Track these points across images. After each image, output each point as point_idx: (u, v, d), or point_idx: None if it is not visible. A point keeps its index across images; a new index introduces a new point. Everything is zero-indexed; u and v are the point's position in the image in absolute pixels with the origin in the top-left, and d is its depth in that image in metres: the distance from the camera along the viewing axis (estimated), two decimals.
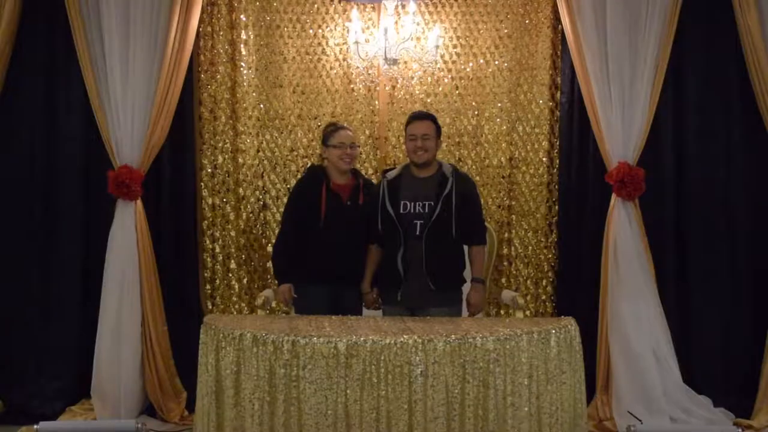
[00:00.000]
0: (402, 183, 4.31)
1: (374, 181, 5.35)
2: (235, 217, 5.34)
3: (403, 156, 5.33)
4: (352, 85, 5.38)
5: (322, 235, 4.28)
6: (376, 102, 5.39)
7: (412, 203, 4.24)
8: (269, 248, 5.34)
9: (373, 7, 5.29)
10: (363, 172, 5.31)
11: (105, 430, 4.45)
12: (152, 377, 4.90)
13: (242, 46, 5.29)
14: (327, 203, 4.29)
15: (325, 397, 3.37)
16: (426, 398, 3.36)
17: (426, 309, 4.16)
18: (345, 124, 4.61)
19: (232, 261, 5.34)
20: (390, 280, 4.28)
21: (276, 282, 4.52)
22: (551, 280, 5.38)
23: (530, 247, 5.39)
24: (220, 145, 5.33)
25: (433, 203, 4.19)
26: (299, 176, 4.69)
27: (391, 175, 4.39)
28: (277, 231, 5.21)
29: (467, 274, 4.57)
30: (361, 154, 5.38)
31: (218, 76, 5.29)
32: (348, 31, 5.24)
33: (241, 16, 5.28)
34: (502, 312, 5.32)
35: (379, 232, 4.31)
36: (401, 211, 4.25)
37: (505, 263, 5.43)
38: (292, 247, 4.35)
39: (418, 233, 4.19)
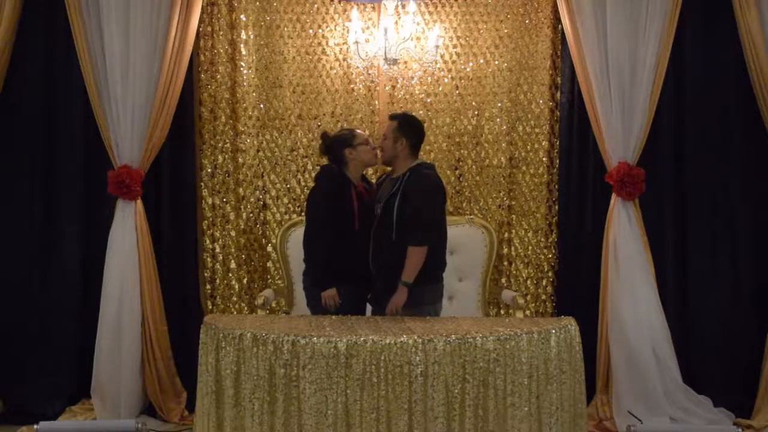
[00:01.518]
0: (383, 184, 4.40)
1: (373, 180, 5.40)
2: (235, 217, 5.33)
3: None
4: (352, 85, 5.38)
5: (356, 238, 4.25)
6: (376, 102, 5.39)
7: (378, 204, 4.29)
8: (269, 248, 5.34)
9: (373, 7, 5.29)
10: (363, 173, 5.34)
11: (105, 430, 4.46)
12: (152, 377, 4.90)
13: (242, 46, 5.28)
14: (359, 208, 4.26)
15: (325, 397, 3.37)
16: (426, 398, 3.37)
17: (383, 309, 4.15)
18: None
19: (232, 261, 5.33)
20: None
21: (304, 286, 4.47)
22: (551, 280, 5.37)
23: (530, 247, 5.38)
24: (220, 145, 5.32)
25: (383, 205, 4.23)
26: (319, 174, 4.46)
27: (384, 175, 4.48)
28: (277, 231, 5.23)
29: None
30: None
31: (218, 76, 5.29)
32: (348, 31, 5.24)
33: (241, 16, 5.28)
34: (502, 312, 5.32)
35: None
36: (376, 211, 4.31)
37: (505, 263, 5.42)
38: (332, 251, 4.23)
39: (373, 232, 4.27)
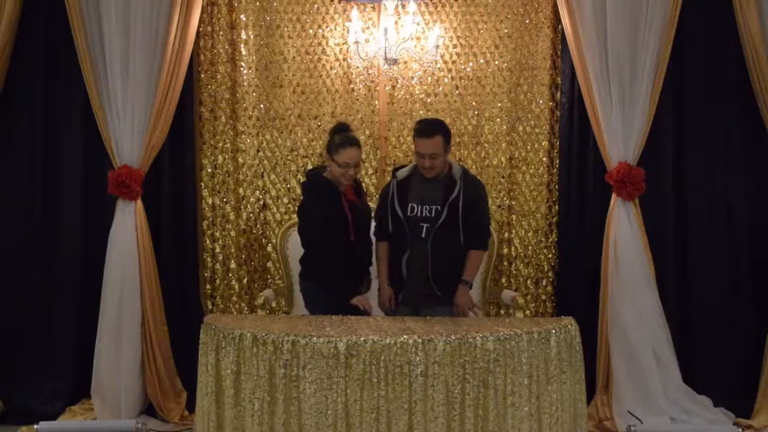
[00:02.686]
0: (411, 184, 4.29)
1: (373, 180, 5.40)
2: (235, 217, 5.33)
3: (404, 156, 5.34)
4: (352, 85, 5.38)
5: (352, 248, 4.23)
6: (376, 102, 5.39)
7: (420, 206, 4.21)
8: (269, 248, 5.34)
9: (373, 7, 5.28)
10: (363, 173, 5.34)
11: (105, 430, 4.46)
12: (152, 377, 4.90)
13: (242, 46, 5.28)
14: (353, 218, 4.22)
15: (325, 397, 3.37)
16: (426, 398, 3.36)
17: (430, 309, 4.14)
18: (353, 133, 4.39)
19: (232, 261, 5.33)
20: (394, 281, 4.31)
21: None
22: (551, 280, 5.37)
23: (530, 247, 5.38)
24: (220, 145, 5.32)
25: (440, 207, 4.17)
26: (306, 185, 4.43)
27: (401, 174, 4.36)
28: (277, 231, 5.23)
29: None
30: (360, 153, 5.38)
31: (218, 76, 5.29)
32: (348, 31, 5.23)
33: (241, 16, 5.28)
34: (502, 312, 5.32)
35: (389, 232, 4.32)
36: (409, 213, 4.24)
37: (505, 263, 5.42)
38: (341, 262, 4.19)
39: (423, 236, 4.19)
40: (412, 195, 4.26)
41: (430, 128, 4.22)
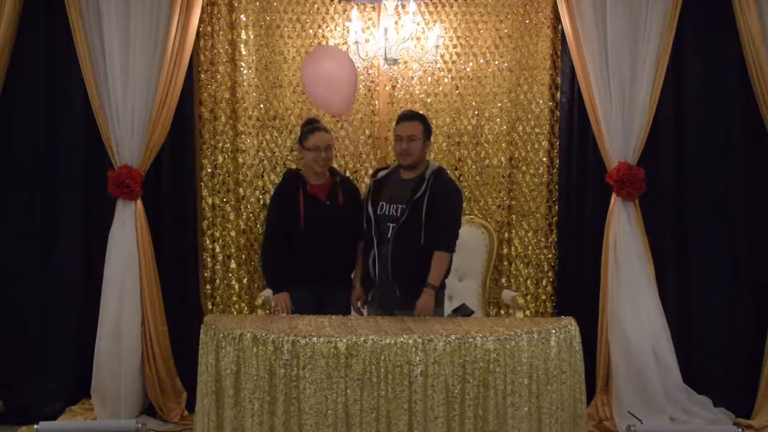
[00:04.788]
0: (386, 183, 4.27)
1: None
2: (235, 217, 5.34)
3: None
4: None
5: (303, 240, 4.23)
6: (376, 102, 5.39)
7: (389, 205, 4.18)
8: None
9: (373, 7, 5.29)
10: (363, 173, 5.35)
11: (105, 430, 4.45)
12: (152, 377, 4.90)
13: (242, 46, 5.28)
14: (306, 208, 4.22)
15: (325, 397, 3.37)
16: (426, 398, 3.36)
17: (398, 309, 4.09)
18: (321, 123, 4.46)
19: (232, 261, 5.33)
20: (365, 280, 4.28)
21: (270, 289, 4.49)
22: (551, 280, 5.37)
23: (530, 247, 5.38)
24: (220, 145, 5.32)
25: (404, 206, 4.12)
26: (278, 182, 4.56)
27: (380, 174, 4.35)
28: None
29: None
30: (361, 154, 5.39)
31: (218, 76, 5.28)
32: (348, 31, 5.24)
33: (241, 16, 5.28)
34: (502, 312, 5.32)
35: (363, 231, 4.31)
36: (379, 212, 4.21)
37: (505, 263, 5.42)
38: (279, 254, 4.27)
39: (389, 236, 4.16)
40: (385, 194, 4.23)
41: (411, 113, 4.32)
